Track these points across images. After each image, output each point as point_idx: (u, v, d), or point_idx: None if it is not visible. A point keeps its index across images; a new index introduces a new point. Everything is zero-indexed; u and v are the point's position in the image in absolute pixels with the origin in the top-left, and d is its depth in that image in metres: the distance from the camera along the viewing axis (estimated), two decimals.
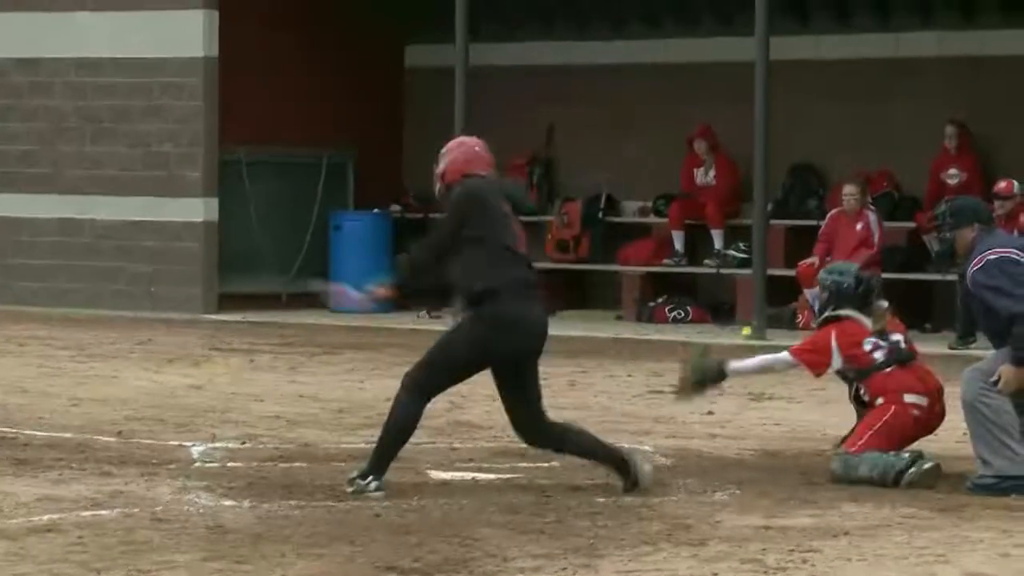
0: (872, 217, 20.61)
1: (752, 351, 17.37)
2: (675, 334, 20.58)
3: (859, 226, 20.60)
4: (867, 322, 11.42)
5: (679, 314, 22.43)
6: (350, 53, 23.53)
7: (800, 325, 20.48)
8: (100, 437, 12.76)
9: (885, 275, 16.89)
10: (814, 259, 20.53)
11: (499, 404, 11.14)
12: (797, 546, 9.10)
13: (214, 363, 17.70)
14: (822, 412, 14.31)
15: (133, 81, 22.78)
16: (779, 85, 20.43)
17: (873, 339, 11.39)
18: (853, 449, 11.19)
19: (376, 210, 23.84)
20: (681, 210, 22.84)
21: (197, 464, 11.72)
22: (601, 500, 10.51)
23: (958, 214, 11.23)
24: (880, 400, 11.29)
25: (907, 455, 11.02)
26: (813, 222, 21.71)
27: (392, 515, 9.88)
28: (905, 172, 21.97)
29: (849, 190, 20.74)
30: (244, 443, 12.62)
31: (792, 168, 22.61)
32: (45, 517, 9.56)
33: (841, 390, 14.13)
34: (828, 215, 21.18)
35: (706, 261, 22.68)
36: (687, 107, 22.53)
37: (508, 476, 11.42)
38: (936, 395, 11.36)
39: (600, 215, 23.62)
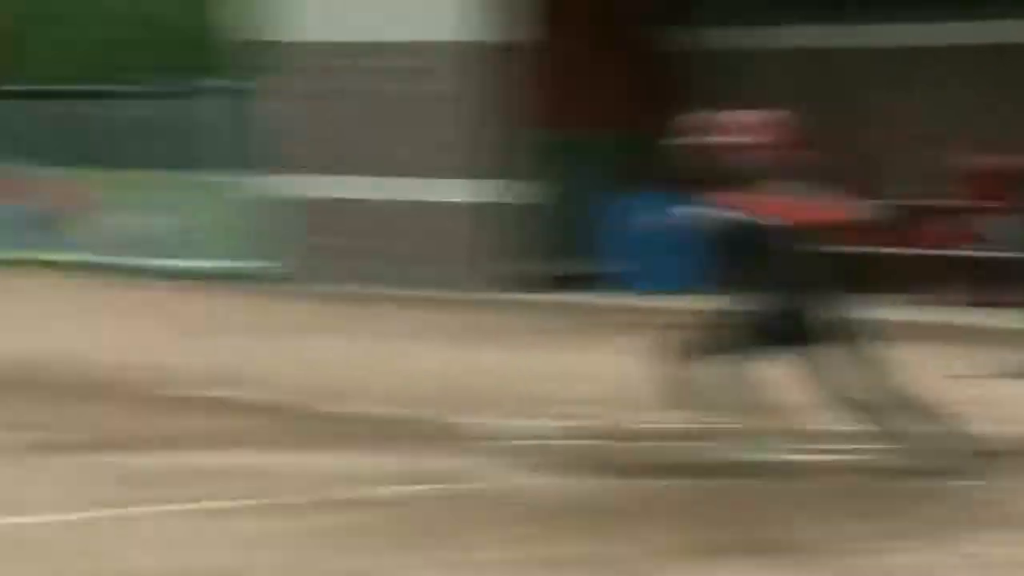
0: None
1: None
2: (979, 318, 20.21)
3: None
4: None
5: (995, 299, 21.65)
6: (619, 41, 23.54)
7: None
8: (415, 414, 12.76)
9: None
10: None
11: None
12: None
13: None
14: None
15: (420, 62, 22.85)
16: None
17: None
18: None
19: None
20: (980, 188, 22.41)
21: (513, 444, 11.58)
22: (933, 485, 10.23)
23: None
24: None
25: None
26: None
27: (705, 493, 9.88)
28: None
29: None
30: (564, 424, 12.33)
31: None
32: (365, 492, 9.67)
33: None
34: None
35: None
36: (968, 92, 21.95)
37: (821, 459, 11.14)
38: None
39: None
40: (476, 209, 22.72)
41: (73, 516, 8.74)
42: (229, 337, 17.92)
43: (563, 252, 22.90)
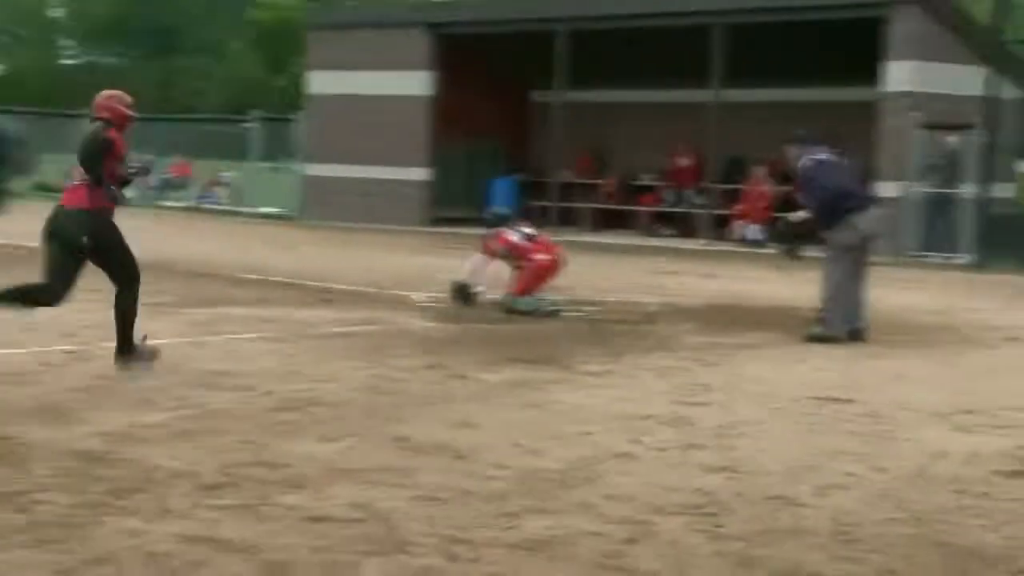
0: (770, 184, 20.82)
1: (705, 253, 18.97)
2: (663, 242, 21.02)
3: (762, 189, 20.94)
4: (504, 232, 11.50)
5: (669, 232, 22.56)
6: (503, 93, 24.47)
7: (730, 239, 21.03)
8: (369, 289, 12.87)
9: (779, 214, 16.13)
10: (741, 206, 20.99)
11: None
12: (725, 352, 9.33)
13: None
14: (743, 285, 14.45)
15: (392, 106, 23.64)
16: (725, 115, 20.61)
17: (513, 235, 11.47)
18: (514, 291, 11.26)
19: (512, 176, 24.06)
20: (671, 179, 23.41)
21: (417, 304, 11.74)
22: (625, 327, 10.57)
23: None
24: (525, 261, 11.35)
25: (550, 304, 11.12)
26: (739, 186, 21.71)
27: (515, 332, 10.11)
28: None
29: (759, 169, 21.06)
30: (440, 294, 12.11)
31: (729, 159, 22.31)
32: (340, 329, 9.75)
33: (751, 270, 15.55)
34: (746, 183, 21.40)
35: (682, 205, 23.04)
36: (674, 128, 22.76)
37: (576, 314, 11.32)
38: (555, 254, 11.42)
39: (628, 180, 24.00)
40: (417, 183, 23.56)
41: (171, 341, 8.77)
42: (264, 248, 18.37)
43: (456, 205, 23.60)
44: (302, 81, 26.41)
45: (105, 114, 7.72)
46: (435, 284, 13.08)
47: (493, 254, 11.53)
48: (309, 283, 13.40)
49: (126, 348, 7.74)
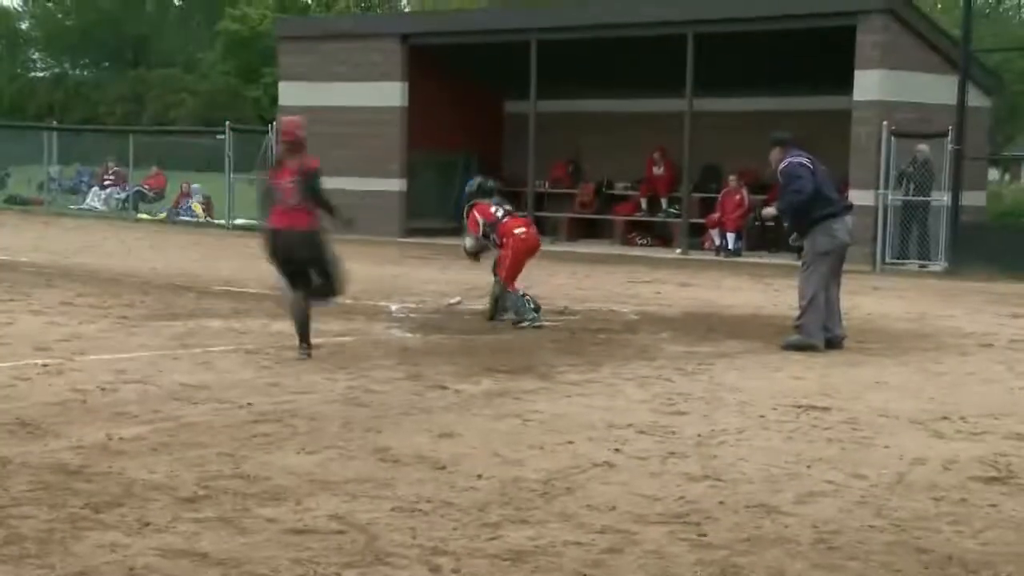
0: (745, 192, 20.82)
1: (681, 262, 18.91)
2: (640, 251, 21.11)
3: (738, 197, 20.85)
4: (489, 203, 11.56)
5: (644, 241, 22.49)
6: (476, 104, 24.29)
7: (705, 247, 21.05)
8: (345, 300, 12.35)
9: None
10: (715, 215, 20.95)
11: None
12: (703, 361, 9.34)
13: None
14: (720, 294, 14.49)
15: (365, 117, 23.41)
16: (698, 124, 20.58)
17: (494, 208, 11.50)
18: (503, 276, 11.21)
19: None
20: (646, 188, 23.24)
21: (394, 314, 11.77)
22: (603, 336, 10.62)
23: None
24: (505, 239, 11.29)
25: (534, 312, 11.03)
26: (715, 195, 21.63)
27: (493, 343, 10.08)
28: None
29: (732, 178, 21.04)
30: (417, 304, 12.52)
31: (703, 167, 22.34)
32: (317, 340, 9.56)
33: (727, 279, 15.45)
34: (722, 191, 21.31)
35: (659, 214, 22.95)
36: (648, 137, 22.69)
37: (554, 324, 11.33)
38: (530, 228, 11.53)
39: (603, 189, 23.95)
40: (391, 194, 23.20)
41: (146, 354, 8.96)
42: (239, 260, 18.12)
43: (431, 216, 23.47)
44: (276, 92, 26.37)
45: (288, 138, 9.45)
46: (412, 294, 13.12)
47: (475, 226, 11.49)
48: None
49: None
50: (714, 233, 21.56)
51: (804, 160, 10.05)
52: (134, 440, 6.30)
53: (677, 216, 22.45)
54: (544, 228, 23.66)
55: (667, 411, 7.46)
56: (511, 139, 25.36)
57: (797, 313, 10.21)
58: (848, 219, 10.25)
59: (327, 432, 6.62)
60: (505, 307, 11.27)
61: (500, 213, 11.50)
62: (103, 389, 7.64)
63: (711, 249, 21.34)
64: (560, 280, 15.79)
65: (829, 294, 10.12)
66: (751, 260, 19.46)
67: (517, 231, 11.37)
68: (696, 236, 21.78)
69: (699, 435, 6.82)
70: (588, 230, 24.13)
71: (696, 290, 15.19)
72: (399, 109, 23.51)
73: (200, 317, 11.31)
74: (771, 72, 21.68)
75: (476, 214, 11.56)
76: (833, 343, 10.15)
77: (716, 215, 21.43)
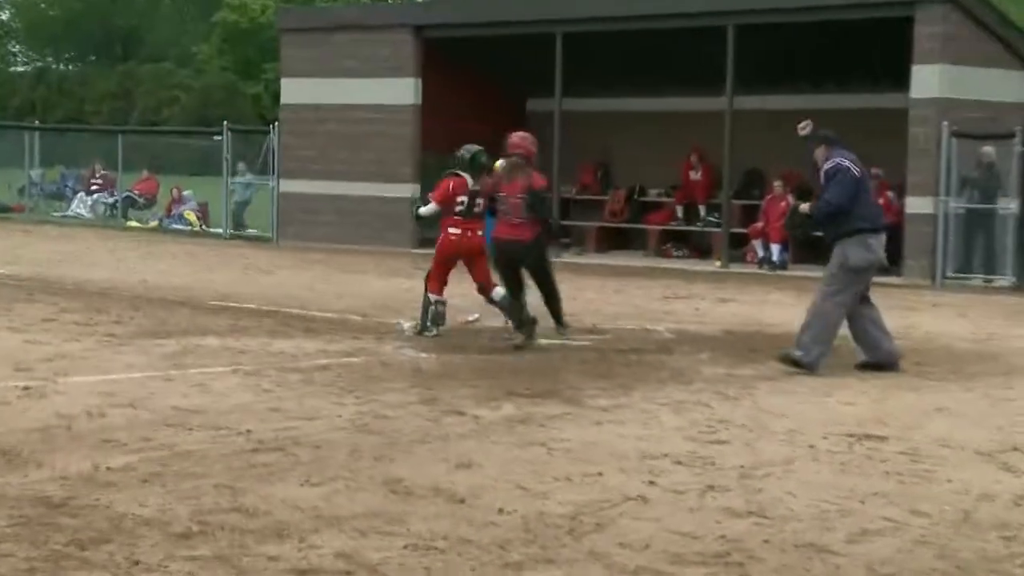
0: (791, 198, 20.04)
1: (720, 276, 18.83)
2: (675, 264, 21.21)
3: (783, 204, 20.36)
4: (469, 178, 11.49)
5: (680, 252, 22.59)
6: (496, 102, 24.18)
7: (747, 259, 21.04)
8: (353, 316, 12.91)
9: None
10: (758, 224, 20.98)
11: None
12: (745, 385, 9.35)
13: None
14: (764, 310, 14.53)
15: (375, 116, 23.37)
16: (740, 124, 20.37)
17: (466, 194, 11.39)
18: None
19: None
20: (682, 194, 23.35)
21: (406, 332, 11.75)
22: (635, 357, 10.65)
23: None
24: (442, 232, 11.50)
25: (432, 325, 11.38)
26: (757, 201, 21.70)
27: (515, 364, 10.13)
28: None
29: (777, 183, 20.95)
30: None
31: (745, 172, 22.43)
32: (322, 361, 9.90)
33: (772, 294, 15.54)
34: (766, 198, 21.35)
35: (696, 223, 23.05)
36: (684, 138, 22.60)
37: (582, 343, 11.42)
38: (472, 232, 11.46)
39: (635, 196, 24.03)
40: (403, 201, 22.59)
41: (136, 375, 9.03)
42: (238, 272, 18.37)
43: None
44: (277, 89, 26.46)
45: (520, 151, 11.19)
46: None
47: (441, 196, 11.50)
48: (287, 310, 13.51)
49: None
50: (757, 244, 21.52)
51: (848, 163, 10.03)
52: (123, 470, 6.34)
53: (716, 225, 22.41)
54: (571, 238, 23.73)
55: (706, 440, 7.47)
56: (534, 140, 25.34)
57: (804, 324, 10.05)
58: (883, 238, 10.21)
59: (333, 462, 6.64)
60: (426, 314, 11.51)
61: (466, 201, 11.44)
62: (89, 414, 7.67)
63: (754, 261, 21.32)
64: (588, 295, 15.78)
65: (867, 313, 10.12)
66: (798, 273, 19.37)
67: (451, 230, 11.44)
68: (737, 247, 21.77)
69: (741, 466, 6.82)
70: (618, 240, 24.13)
71: (738, 306, 15.23)
72: (412, 107, 23.54)
73: (195, 335, 11.37)
74: (820, 67, 21.66)
75: (449, 186, 11.52)
76: (886, 364, 10.17)
77: (759, 224, 21.44)
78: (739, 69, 20.78)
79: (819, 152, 10.23)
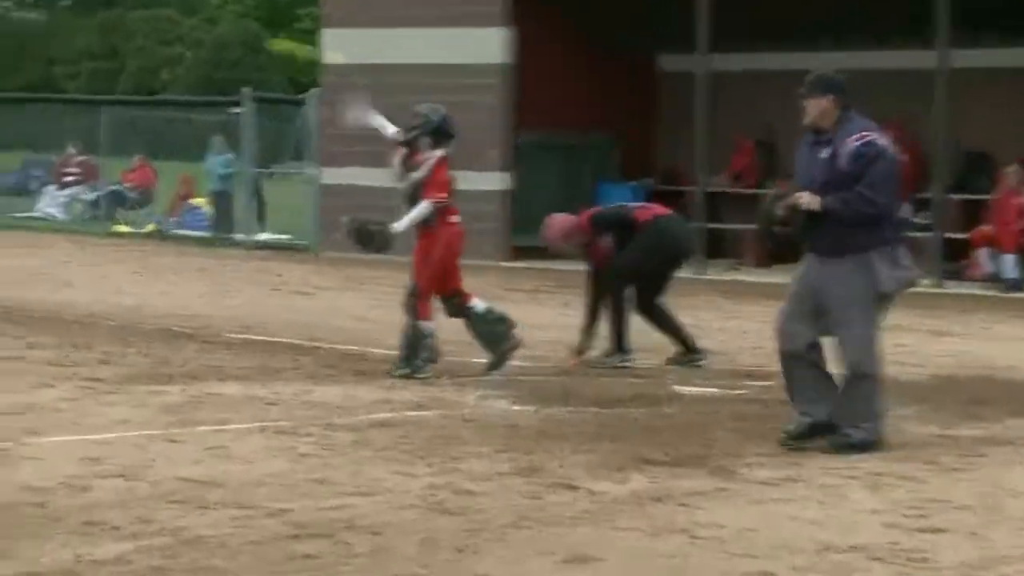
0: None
1: (933, 299, 18.43)
2: None
3: (1021, 200, 20.45)
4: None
5: None
6: (616, 62, 24.30)
7: (971, 275, 20.99)
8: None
9: None
10: (985, 227, 20.77)
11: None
12: (968, 451, 9.26)
13: None
14: (993, 347, 14.62)
15: (449, 81, 23.06)
16: (958, 88, 20.53)
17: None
18: (421, 285, 12.05)
19: (632, 183, 23.90)
20: None
21: (495, 376, 11.88)
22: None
23: None
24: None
25: (427, 362, 11.74)
26: (984, 196, 21.41)
27: (646, 419, 10.20)
28: None
29: (1012, 170, 20.61)
30: (528, 362, 12.59)
31: (966, 155, 22.46)
32: (382, 415, 10.02)
33: (1012, 328, 15.74)
34: (996, 192, 21.01)
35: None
36: (878, 107, 22.76)
37: (737, 392, 11.60)
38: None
39: None
40: (489, 195, 22.91)
41: (129, 434, 9.14)
42: (266, 293, 18.72)
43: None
44: (315, 45, 26.69)
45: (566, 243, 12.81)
46: (523, 348, 13.04)
47: (441, 189, 11.90)
48: (332, 346, 13.61)
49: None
50: (984, 254, 21.26)
51: (886, 141, 9.57)
52: (115, 563, 6.36)
53: (926, 228, 22.18)
54: (723, 247, 23.62)
55: (914, 527, 7.41)
56: (670, 112, 25.25)
57: (848, 385, 9.46)
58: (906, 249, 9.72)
59: (399, 553, 6.66)
60: (416, 349, 11.82)
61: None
62: (69, 487, 7.70)
63: (980, 279, 21.06)
64: (745, 327, 15.73)
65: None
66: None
67: (454, 218, 11.88)
68: (956, 259, 21.57)
69: (965, 564, 6.76)
70: (787, 250, 23.95)
71: (956, 342, 15.13)
72: (501, 68, 23.58)
73: (207, 379, 11.45)
74: None
75: (445, 171, 11.98)
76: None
77: (987, 228, 21.22)
78: (955, 12, 20.61)
79: (817, 106, 9.51)
